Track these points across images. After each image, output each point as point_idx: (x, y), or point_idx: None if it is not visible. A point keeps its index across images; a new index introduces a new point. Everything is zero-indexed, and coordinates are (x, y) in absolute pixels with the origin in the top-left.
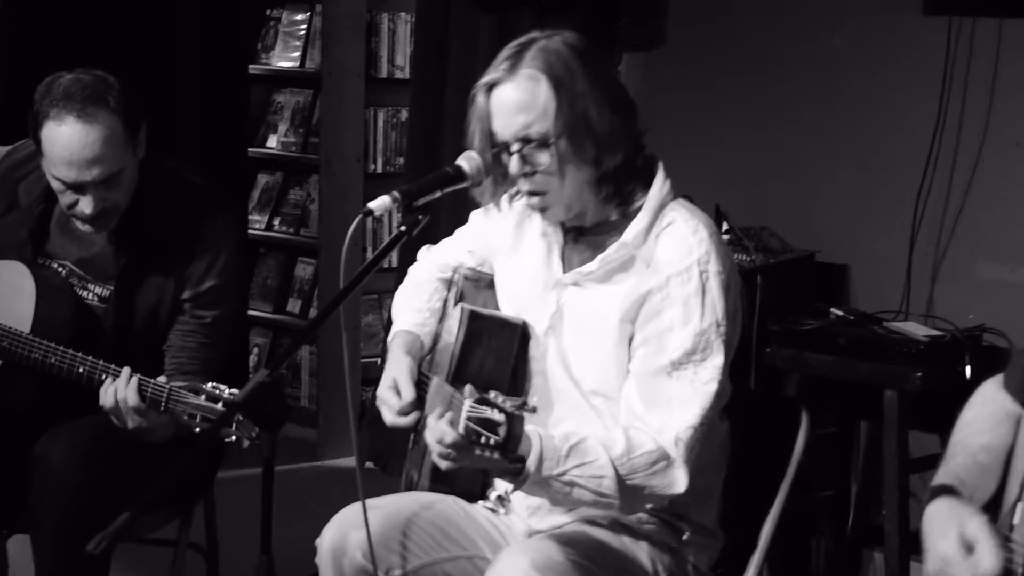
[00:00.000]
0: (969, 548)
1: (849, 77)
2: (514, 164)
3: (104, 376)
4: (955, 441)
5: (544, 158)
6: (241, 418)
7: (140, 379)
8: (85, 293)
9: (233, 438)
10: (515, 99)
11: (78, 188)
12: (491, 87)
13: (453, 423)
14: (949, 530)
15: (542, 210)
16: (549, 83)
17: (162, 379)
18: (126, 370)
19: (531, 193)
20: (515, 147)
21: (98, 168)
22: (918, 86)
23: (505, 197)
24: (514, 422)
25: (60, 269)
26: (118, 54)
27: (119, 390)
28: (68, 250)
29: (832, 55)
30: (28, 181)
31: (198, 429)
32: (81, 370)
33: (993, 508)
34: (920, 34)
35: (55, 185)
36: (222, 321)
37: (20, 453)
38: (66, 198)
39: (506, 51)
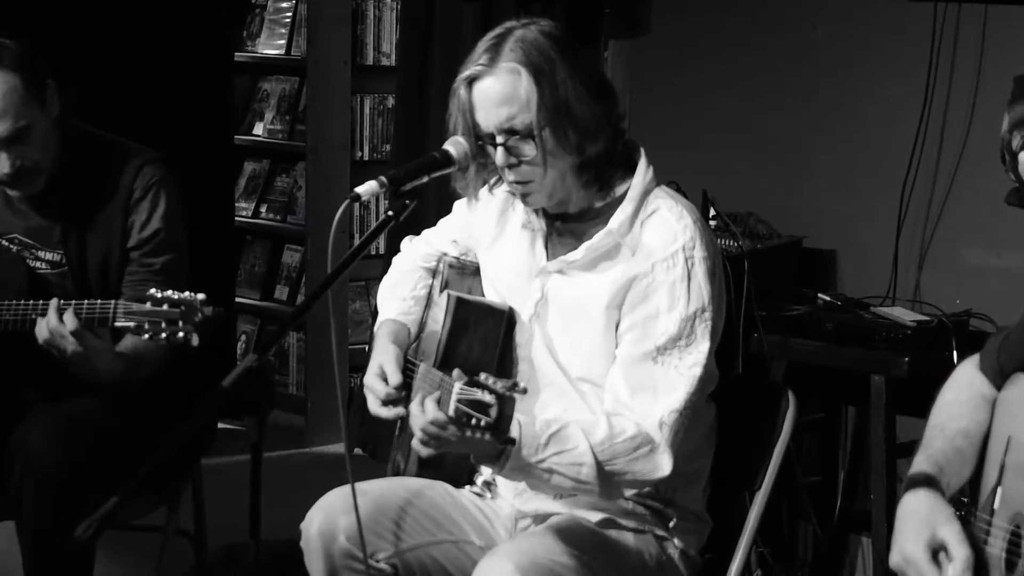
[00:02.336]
0: (936, 551)
1: (835, 64)
2: (500, 156)
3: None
4: (933, 424)
5: (529, 149)
6: (187, 316)
7: (75, 304)
8: (36, 264)
9: (181, 335)
10: (497, 92)
11: None
12: (472, 80)
13: (442, 404)
14: (921, 533)
15: (524, 197)
16: (530, 75)
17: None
18: (54, 301)
19: (515, 182)
20: (500, 139)
21: (2, 123)
22: (904, 72)
23: (484, 187)
24: (505, 403)
25: (10, 244)
26: (94, 41)
27: (51, 318)
28: (13, 223)
29: (818, 41)
30: None
31: (147, 336)
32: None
33: (971, 490)
34: (905, 20)
35: None
36: (173, 266)
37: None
38: None
39: (484, 43)
